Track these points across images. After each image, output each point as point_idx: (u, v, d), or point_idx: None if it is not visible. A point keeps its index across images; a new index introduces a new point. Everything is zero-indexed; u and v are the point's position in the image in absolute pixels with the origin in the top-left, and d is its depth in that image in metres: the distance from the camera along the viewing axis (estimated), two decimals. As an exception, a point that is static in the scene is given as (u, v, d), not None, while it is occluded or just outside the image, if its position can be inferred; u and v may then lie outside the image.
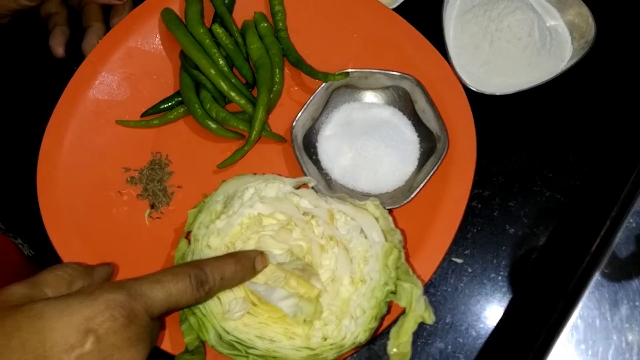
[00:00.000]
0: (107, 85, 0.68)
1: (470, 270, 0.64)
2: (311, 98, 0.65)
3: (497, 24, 0.69)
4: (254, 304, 0.52)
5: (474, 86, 0.67)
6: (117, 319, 0.42)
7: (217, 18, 0.69)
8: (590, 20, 0.68)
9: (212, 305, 0.52)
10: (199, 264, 0.49)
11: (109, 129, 0.66)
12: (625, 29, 0.73)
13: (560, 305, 0.54)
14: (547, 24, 0.71)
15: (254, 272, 0.53)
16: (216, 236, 0.55)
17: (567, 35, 0.72)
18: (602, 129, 0.69)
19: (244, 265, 0.52)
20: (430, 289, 0.63)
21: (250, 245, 0.55)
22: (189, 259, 0.55)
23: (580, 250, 0.58)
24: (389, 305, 0.54)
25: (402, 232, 0.57)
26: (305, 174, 0.62)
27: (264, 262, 0.53)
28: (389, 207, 0.60)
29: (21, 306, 0.42)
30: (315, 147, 0.67)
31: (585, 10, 0.69)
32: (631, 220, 0.53)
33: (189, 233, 0.57)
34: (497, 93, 0.67)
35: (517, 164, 0.68)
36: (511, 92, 0.67)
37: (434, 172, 0.61)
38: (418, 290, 0.51)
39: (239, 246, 0.55)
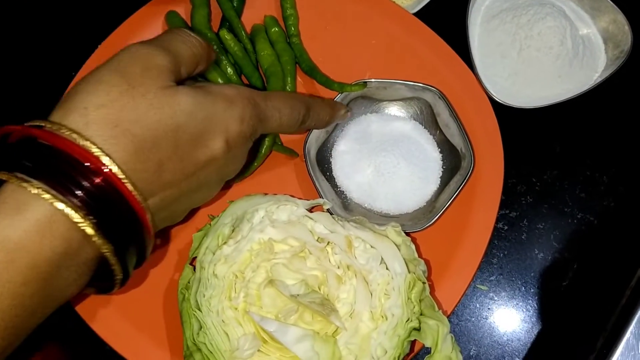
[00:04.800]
0: (106, 94, 0.63)
1: (496, 298, 0.59)
2: (326, 110, 0.60)
3: (527, 31, 0.64)
4: (265, 341, 0.48)
5: (500, 98, 0.62)
6: (244, 134, 0.45)
7: (225, 22, 0.64)
8: (627, 28, 0.63)
9: (219, 342, 0.48)
10: (311, 105, 0.53)
11: (108, 141, 0.61)
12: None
13: (599, 344, 0.49)
14: (580, 32, 0.66)
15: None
16: (223, 263, 0.51)
17: (600, 44, 0.67)
18: (638, 145, 0.64)
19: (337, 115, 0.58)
20: (453, 318, 0.58)
21: (261, 275, 0.51)
22: (194, 288, 0.50)
23: (619, 280, 0.53)
24: (412, 343, 0.50)
25: (426, 261, 0.52)
26: (318, 192, 0.57)
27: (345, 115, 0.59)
28: (410, 230, 0.56)
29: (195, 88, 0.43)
30: (329, 163, 0.62)
31: (621, 18, 0.64)
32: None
33: (194, 259, 0.53)
34: (526, 106, 0.62)
35: (547, 183, 0.63)
36: (541, 106, 0.62)
37: (458, 193, 0.57)
38: (444, 328, 0.47)
39: (248, 275, 0.51)
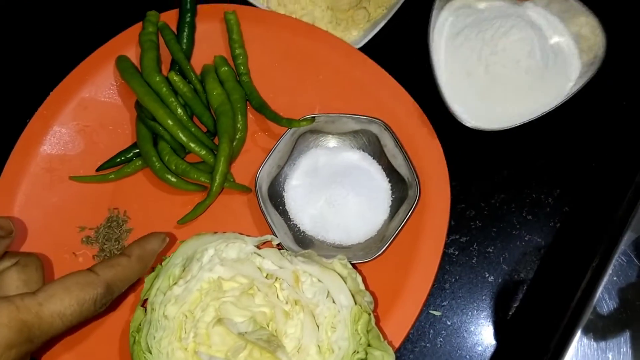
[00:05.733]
0: (59, 139, 0.64)
1: (449, 323, 0.60)
2: (275, 145, 0.62)
3: (492, 47, 0.61)
4: (214, 380, 0.49)
5: (470, 121, 0.60)
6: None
7: (175, 65, 0.66)
8: (599, 31, 0.60)
9: (168, 383, 0.48)
10: (111, 280, 0.48)
11: (62, 185, 0.62)
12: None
13: (543, 365, 0.50)
14: (550, 41, 0.63)
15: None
16: (173, 304, 0.52)
17: (573, 51, 0.63)
18: (580, 167, 0.66)
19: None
20: (407, 344, 0.59)
21: (210, 314, 0.51)
22: (144, 330, 0.51)
23: (562, 302, 0.55)
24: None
25: (378, 290, 0.53)
26: (270, 227, 0.58)
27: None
28: (362, 261, 0.57)
29: None
30: (282, 197, 0.63)
31: (592, 20, 0.60)
32: (611, 273, 0.50)
33: (145, 300, 0.53)
34: (499, 127, 0.59)
35: (494, 207, 0.64)
36: (515, 125, 0.59)
37: (406, 222, 0.58)
38: (390, 358, 0.48)
39: (198, 315, 0.51)
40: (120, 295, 0.51)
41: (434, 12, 0.63)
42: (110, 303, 0.49)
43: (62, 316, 0.44)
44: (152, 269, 0.55)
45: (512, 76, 0.61)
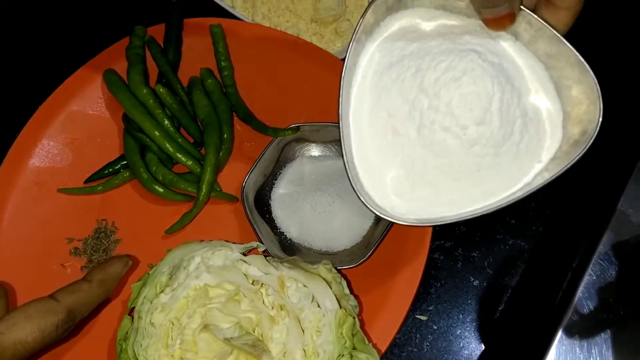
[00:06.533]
0: (48, 152, 0.65)
1: (435, 327, 0.61)
2: (261, 155, 0.62)
3: (431, 98, 0.42)
4: (200, 386, 0.49)
5: (382, 207, 0.44)
6: None
7: (162, 77, 0.67)
8: (596, 97, 0.41)
9: (155, 390, 0.49)
10: (72, 306, 0.47)
11: (51, 198, 0.63)
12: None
13: (526, 366, 0.51)
14: (529, 98, 0.44)
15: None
16: (160, 312, 0.52)
17: (556, 118, 0.44)
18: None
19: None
20: (394, 349, 0.60)
21: (196, 321, 0.52)
22: (131, 339, 0.51)
23: (545, 304, 0.55)
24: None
25: (363, 295, 0.54)
26: (257, 236, 0.59)
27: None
28: (348, 267, 0.58)
29: None
30: (269, 205, 0.64)
31: (588, 78, 0.41)
32: (591, 273, 0.51)
33: (132, 309, 0.54)
34: (419, 222, 0.44)
35: (478, 211, 0.65)
36: (443, 222, 0.44)
37: (390, 227, 0.59)
38: (374, 361, 0.49)
39: (184, 322, 0.52)
40: (86, 318, 0.51)
41: (357, 35, 0.45)
42: (73, 327, 0.49)
43: (25, 343, 0.44)
44: (142, 281, 0.56)
45: (453, 147, 0.43)
